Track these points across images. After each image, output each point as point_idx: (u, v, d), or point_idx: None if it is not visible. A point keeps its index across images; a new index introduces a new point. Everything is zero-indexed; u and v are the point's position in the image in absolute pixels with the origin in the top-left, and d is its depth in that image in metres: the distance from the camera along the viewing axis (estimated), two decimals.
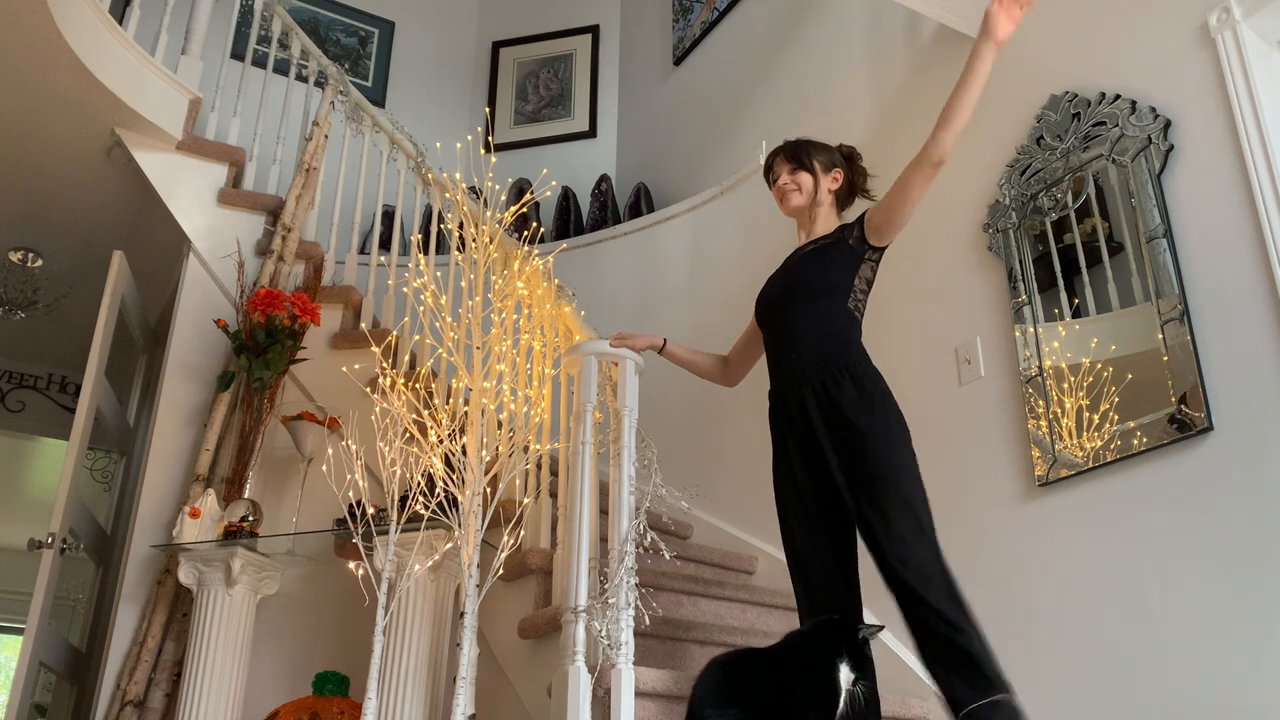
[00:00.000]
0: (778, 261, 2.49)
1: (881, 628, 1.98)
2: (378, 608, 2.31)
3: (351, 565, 2.52)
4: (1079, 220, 2.66)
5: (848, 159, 2.47)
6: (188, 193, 3.78)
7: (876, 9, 3.66)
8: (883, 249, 2.28)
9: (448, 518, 2.41)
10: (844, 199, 2.46)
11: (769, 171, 2.48)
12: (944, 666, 1.92)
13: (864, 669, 1.80)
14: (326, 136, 3.99)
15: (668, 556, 2.33)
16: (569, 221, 5.01)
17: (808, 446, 2.19)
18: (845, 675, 1.77)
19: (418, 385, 2.79)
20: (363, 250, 4.76)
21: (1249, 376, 2.21)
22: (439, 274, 3.81)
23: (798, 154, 2.43)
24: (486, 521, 2.38)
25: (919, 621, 1.96)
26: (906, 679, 2.72)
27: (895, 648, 2.76)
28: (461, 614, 2.31)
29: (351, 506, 2.72)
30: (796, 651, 1.81)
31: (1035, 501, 2.60)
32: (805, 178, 2.40)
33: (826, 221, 2.40)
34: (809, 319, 2.25)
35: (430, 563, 2.63)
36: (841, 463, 2.11)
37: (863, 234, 2.27)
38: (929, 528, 2.04)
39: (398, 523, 2.41)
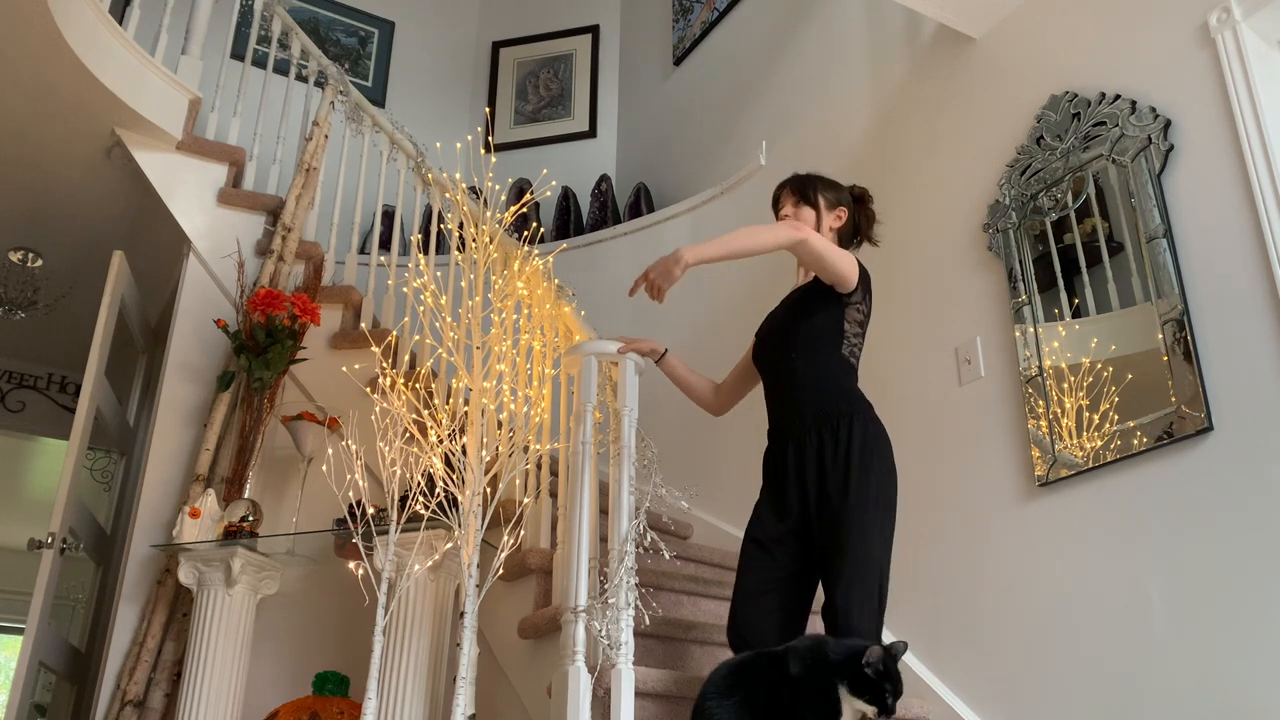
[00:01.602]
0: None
1: (904, 646, 1.88)
2: (378, 608, 2.31)
3: (351, 565, 2.52)
4: (1079, 220, 2.66)
5: (858, 200, 2.42)
6: (188, 193, 3.78)
7: (876, 9, 3.66)
8: (858, 294, 2.24)
9: (448, 518, 2.41)
10: (848, 239, 2.41)
11: (776, 203, 2.44)
12: None
13: (878, 698, 1.74)
14: (326, 136, 3.99)
15: (668, 556, 2.33)
16: (569, 221, 5.01)
17: (794, 493, 2.16)
18: (851, 700, 1.73)
19: (418, 385, 2.79)
20: (363, 250, 4.77)
21: (1249, 376, 2.21)
22: (439, 274, 3.81)
23: (803, 188, 2.40)
24: (486, 521, 2.38)
25: None
26: (905, 678, 2.72)
27: None
28: (461, 614, 2.31)
29: (351, 506, 2.72)
30: (796, 654, 1.81)
31: (1035, 501, 2.60)
32: (807, 213, 2.37)
33: None
34: (804, 368, 2.22)
35: (430, 563, 2.63)
36: (820, 507, 2.11)
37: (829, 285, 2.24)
38: (879, 595, 2.05)
39: (398, 523, 2.41)
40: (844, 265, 2.20)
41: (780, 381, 2.28)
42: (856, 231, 2.43)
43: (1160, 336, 2.38)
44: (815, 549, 2.12)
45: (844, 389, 2.20)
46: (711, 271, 4.15)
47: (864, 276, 2.27)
